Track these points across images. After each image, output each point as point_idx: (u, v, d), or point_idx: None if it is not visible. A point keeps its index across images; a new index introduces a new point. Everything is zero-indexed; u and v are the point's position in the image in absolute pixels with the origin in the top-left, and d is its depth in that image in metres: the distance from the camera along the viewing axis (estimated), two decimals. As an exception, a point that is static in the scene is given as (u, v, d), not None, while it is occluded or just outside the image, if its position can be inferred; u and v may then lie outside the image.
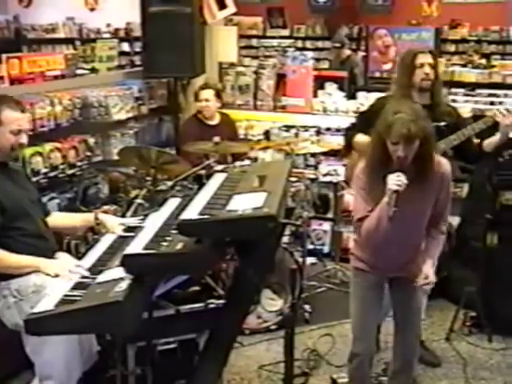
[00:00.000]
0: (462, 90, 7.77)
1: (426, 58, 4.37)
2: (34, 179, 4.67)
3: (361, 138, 4.53)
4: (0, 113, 3.37)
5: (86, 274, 3.07)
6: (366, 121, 4.66)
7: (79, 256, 3.43)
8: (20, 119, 3.45)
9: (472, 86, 8.27)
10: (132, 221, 3.65)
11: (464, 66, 10.60)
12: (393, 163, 3.38)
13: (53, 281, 3.35)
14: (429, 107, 4.21)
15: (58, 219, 3.89)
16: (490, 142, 4.41)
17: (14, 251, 3.42)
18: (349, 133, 4.75)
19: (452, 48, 13.96)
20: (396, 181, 3.29)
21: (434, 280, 3.51)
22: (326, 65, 12.53)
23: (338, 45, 10.19)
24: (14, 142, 3.44)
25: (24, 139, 3.49)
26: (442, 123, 4.32)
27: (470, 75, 10.54)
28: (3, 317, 3.49)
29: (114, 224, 3.60)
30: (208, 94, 5.97)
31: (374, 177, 3.44)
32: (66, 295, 2.78)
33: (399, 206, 3.31)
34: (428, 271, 3.50)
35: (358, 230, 3.55)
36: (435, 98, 4.40)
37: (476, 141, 4.52)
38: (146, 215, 3.64)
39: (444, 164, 3.55)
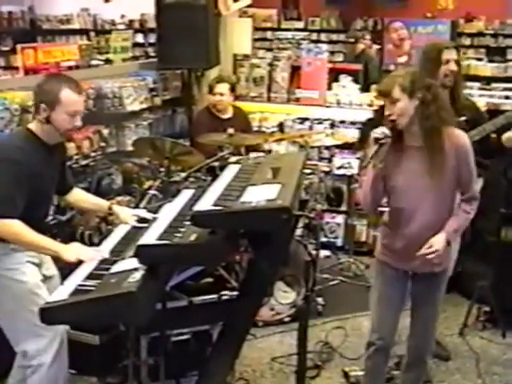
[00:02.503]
0: (477, 84, 7.72)
1: (451, 54, 4.25)
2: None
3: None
4: (60, 92, 3.35)
5: (107, 256, 3.08)
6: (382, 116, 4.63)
7: (93, 246, 3.42)
8: (77, 101, 3.43)
9: (487, 80, 8.22)
10: (145, 212, 3.64)
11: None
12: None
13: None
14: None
15: (76, 196, 3.90)
16: (510, 137, 4.34)
17: None
18: (365, 128, 4.69)
19: (467, 42, 13.88)
20: (379, 132, 3.42)
21: (437, 248, 3.38)
22: (340, 57, 12.52)
23: (352, 40, 10.15)
24: (68, 123, 3.42)
25: (79, 122, 3.47)
26: (463, 118, 4.25)
27: (486, 69, 10.51)
28: None
29: (127, 216, 3.60)
30: (223, 88, 5.94)
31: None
32: (80, 285, 2.79)
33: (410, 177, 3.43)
34: (434, 241, 3.40)
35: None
36: (456, 93, 4.30)
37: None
38: (159, 206, 3.65)
39: (458, 135, 3.48)
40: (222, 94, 5.93)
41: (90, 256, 3.13)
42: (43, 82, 3.47)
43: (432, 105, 3.38)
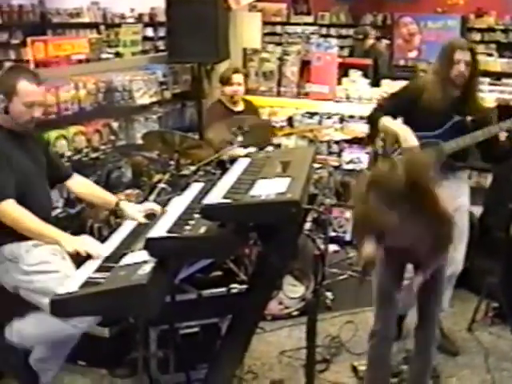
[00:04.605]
0: (487, 80, 7.68)
1: (463, 55, 4.20)
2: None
3: (388, 122, 4.37)
4: (16, 83, 3.37)
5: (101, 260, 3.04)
6: (397, 103, 4.50)
7: (102, 239, 3.42)
8: (35, 92, 3.44)
9: (498, 76, 8.17)
10: (152, 205, 3.61)
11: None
12: None
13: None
14: (458, 99, 4.25)
15: (80, 186, 3.87)
16: None
17: None
18: (375, 114, 4.49)
19: (478, 37, 13.82)
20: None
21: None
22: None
23: (360, 37, 10.08)
24: (26, 114, 3.43)
25: (37, 112, 3.47)
26: (469, 117, 4.24)
27: (496, 64, 10.45)
28: (3, 281, 3.51)
29: (135, 212, 3.56)
30: (240, 78, 5.97)
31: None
32: (90, 277, 2.79)
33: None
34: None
35: None
36: (468, 92, 4.28)
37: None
38: (169, 199, 3.65)
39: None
40: (239, 84, 5.96)
41: (90, 251, 3.10)
42: (2, 73, 3.52)
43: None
